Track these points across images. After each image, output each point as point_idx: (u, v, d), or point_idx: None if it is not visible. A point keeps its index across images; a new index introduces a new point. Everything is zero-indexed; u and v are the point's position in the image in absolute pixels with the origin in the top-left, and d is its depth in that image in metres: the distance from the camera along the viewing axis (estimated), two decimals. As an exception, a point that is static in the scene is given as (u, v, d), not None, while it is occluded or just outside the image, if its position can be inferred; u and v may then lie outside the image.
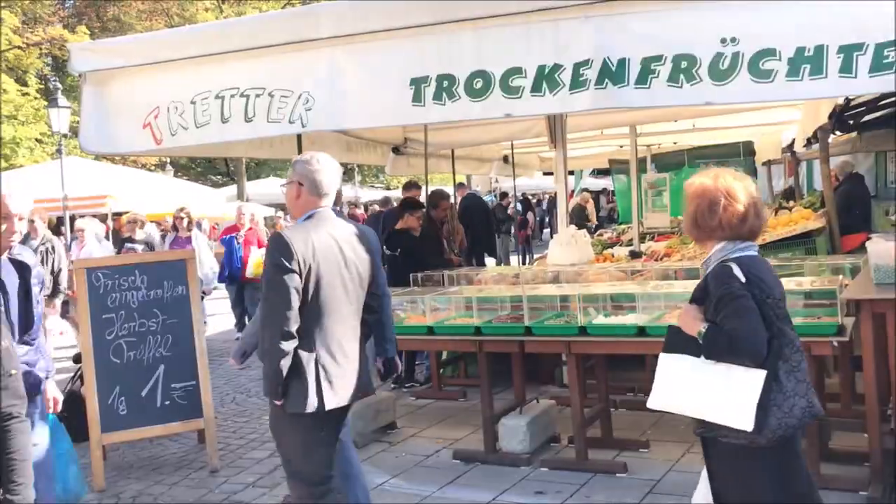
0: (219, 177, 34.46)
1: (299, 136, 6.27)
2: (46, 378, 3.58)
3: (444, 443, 5.72)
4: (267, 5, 26.62)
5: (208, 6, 27.99)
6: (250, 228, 10.26)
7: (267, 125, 4.52)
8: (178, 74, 4.77)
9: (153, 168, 28.26)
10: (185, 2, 28.19)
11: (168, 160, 28.18)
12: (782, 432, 2.67)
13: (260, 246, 9.93)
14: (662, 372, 2.90)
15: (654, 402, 2.94)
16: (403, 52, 4.13)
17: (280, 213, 17.54)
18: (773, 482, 2.75)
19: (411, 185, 8.86)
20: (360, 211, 25.97)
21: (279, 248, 3.27)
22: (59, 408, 3.76)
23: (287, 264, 3.23)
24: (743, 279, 2.72)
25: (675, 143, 12.19)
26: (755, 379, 2.66)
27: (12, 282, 3.35)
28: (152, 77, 4.86)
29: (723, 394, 2.70)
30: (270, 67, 4.49)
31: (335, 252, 3.39)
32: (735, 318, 2.68)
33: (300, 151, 6.46)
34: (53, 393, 3.70)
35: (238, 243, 10.09)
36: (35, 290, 3.45)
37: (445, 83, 4.02)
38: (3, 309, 3.13)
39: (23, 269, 3.40)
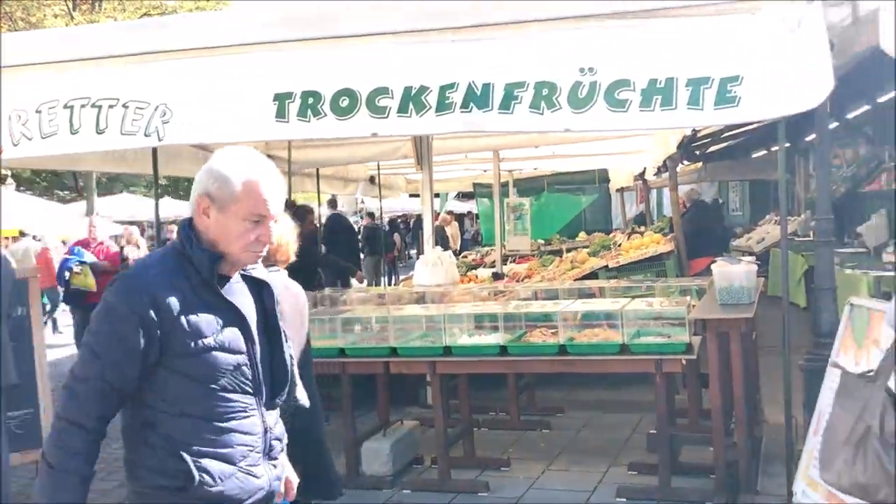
0: (66, 192, 32.45)
1: (155, 150, 6.01)
2: (281, 450, 2.37)
3: (305, 468, 5.57)
4: (123, 15, 25.49)
5: (57, 12, 26.41)
6: (101, 242, 9.69)
7: (120, 137, 4.27)
8: (22, 81, 4.45)
9: (-8, 181, 26.32)
10: (32, 6, 26.54)
11: (9, 173, 26.32)
12: None
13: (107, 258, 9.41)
14: None
15: None
16: (267, 67, 4.02)
17: (134, 228, 16.69)
18: None
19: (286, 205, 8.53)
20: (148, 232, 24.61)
21: None
22: (294, 494, 2.50)
23: None
24: None
25: (535, 168, 12.57)
26: None
27: (250, 307, 2.21)
28: (-8, 82, 4.51)
29: None
30: (125, 77, 4.26)
31: None
32: None
33: (156, 166, 6.18)
34: (289, 473, 2.46)
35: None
36: (280, 325, 2.30)
37: (311, 100, 3.93)
38: (246, 355, 2.14)
39: (261, 291, 2.26)
